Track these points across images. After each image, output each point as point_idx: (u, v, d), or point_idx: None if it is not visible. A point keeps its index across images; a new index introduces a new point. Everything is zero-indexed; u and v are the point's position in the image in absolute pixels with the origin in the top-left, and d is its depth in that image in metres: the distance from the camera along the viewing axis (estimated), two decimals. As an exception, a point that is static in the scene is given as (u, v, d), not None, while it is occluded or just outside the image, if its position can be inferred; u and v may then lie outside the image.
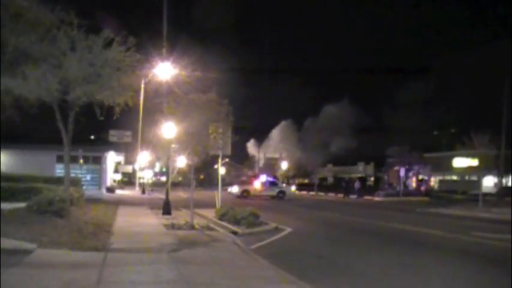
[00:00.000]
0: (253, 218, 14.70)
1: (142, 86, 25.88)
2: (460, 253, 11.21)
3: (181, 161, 18.49)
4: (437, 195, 46.07)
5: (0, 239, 8.23)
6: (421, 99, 56.01)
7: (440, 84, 56.22)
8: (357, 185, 45.77)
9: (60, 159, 28.15)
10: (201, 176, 72.59)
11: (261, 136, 70.88)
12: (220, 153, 16.46)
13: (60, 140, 13.51)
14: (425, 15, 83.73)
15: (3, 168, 24.56)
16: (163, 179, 57.59)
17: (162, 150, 18.56)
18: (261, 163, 66.88)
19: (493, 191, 38.29)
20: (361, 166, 64.42)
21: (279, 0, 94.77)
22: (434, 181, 58.15)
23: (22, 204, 13.13)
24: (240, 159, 71.82)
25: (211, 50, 57.75)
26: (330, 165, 65.97)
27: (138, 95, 18.46)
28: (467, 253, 11.26)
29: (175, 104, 14.32)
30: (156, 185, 57.36)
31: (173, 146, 16.10)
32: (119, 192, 38.12)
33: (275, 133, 69.43)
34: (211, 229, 13.28)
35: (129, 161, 49.03)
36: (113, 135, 41.34)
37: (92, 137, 46.44)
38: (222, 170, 21.94)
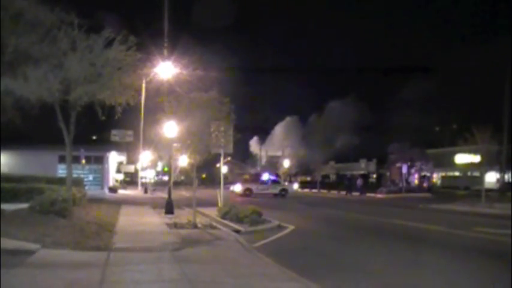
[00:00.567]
0: (256, 216, 14.71)
1: (144, 85, 25.95)
2: (463, 249, 11.18)
3: (183, 160, 18.48)
4: (440, 191, 46.02)
5: (0, 239, 8.22)
6: (423, 95, 55.93)
7: (442, 80, 56.06)
8: (359, 182, 45.74)
9: (62, 159, 28.24)
10: (203, 175, 72.60)
11: (264, 134, 71.03)
12: (222, 151, 16.43)
13: (62, 141, 13.49)
14: (425, 13, 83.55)
15: (5, 169, 24.57)
16: (166, 178, 57.61)
17: (163, 149, 18.55)
18: (264, 161, 66.92)
19: (496, 186, 38.22)
20: (363, 163, 64.32)
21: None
22: (436, 177, 58.11)
23: (24, 205, 13.16)
24: (242, 157, 71.90)
25: (214, 48, 57.72)
26: (332, 163, 65.95)
27: (139, 95, 18.42)
28: (470, 249, 11.24)
29: (177, 103, 14.31)
30: (158, 184, 57.38)
31: (175, 145, 16.09)
32: (121, 192, 38.18)
33: (279, 129, 69.45)
34: (214, 228, 13.26)
35: (131, 160, 49.08)
36: (115, 135, 41.42)
37: (94, 137, 46.56)
38: (224, 169, 21.91)
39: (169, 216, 16.46)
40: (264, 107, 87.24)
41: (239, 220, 14.45)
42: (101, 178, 33.67)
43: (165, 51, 19.25)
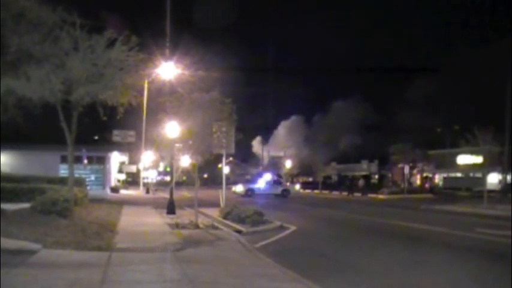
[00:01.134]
0: (258, 217, 14.69)
1: (146, 85, 25.94)
2: (464, 250, 11.16)
3: (185, 160, 18.48)
4: (442, 192, 45.90)
5: (2, 239, 8.22)
6: (425, 96, 55.87)
7: (444, 81, 55.97)
8: (361, 182, 45.67)
9: (64, 159, 28.18)
10: (205, 175, 72.64)
11: (267, 134, 71.02)
12: (223, 152, 16.43)
13: (63, 141, 13.51)
14: (428, 14, 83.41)
15: (7, 169, 24.59)
16: (168, 178, 57.64)
17: (165, 149, 18.56)
18: (266, 161, 66.90)
19: (498, 187, 38.13)
20: (365, 164, 64.19)
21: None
22: (438, 178, 58.00)
23: (26, 205, 13.15)
24: (244, 157, 71.90)
25: (217, 48, 57.60)
26: (333, 163, 65.88)
27: (141, 95, 18.43)
28: (472, 250, 11.20)
29: (179, 104, 14.32)
30: (160, 184, 57.41)
31: (177, 145, 16.09)
32: (123, 192, 38.21)
33: (283, 128, 69.40)
34: (216, 228, 13.26)
35: (133, 160, 49.05)
36: (117, 135, 41.38)
37: (96, 137, 46.59)
38: (226, 169, 21.91)
39: (171, 216, 16.46)
40: (267, 107, 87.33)
41: (241, 220, 14.44)
42: (102, 178, 33.60)
43: (167, 52, 19.29)
